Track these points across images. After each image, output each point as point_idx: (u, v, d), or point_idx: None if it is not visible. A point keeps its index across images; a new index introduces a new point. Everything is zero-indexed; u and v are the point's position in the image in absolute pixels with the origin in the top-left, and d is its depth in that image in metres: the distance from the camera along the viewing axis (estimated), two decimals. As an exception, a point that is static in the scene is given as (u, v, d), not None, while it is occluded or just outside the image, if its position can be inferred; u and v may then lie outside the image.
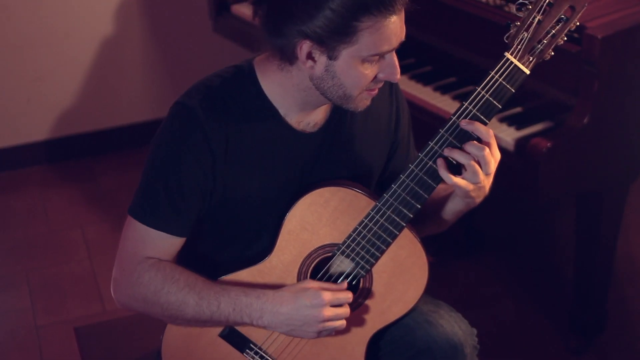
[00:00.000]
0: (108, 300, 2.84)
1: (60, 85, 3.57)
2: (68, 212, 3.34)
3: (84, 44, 3.54)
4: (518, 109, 2.32)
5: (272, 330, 1.58)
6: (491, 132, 1.50)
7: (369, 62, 1.48)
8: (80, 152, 3.69)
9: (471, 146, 1.49)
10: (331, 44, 1.45)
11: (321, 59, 1.48)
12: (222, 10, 3.21)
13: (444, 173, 1.50)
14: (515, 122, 2.27)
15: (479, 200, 1.57)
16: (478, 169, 1.49)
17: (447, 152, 1.50)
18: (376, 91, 1.55)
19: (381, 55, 1.48)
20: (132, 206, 1.58)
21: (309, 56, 1.48)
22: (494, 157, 1.51)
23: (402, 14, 1.48)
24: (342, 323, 1.56)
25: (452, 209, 1.64)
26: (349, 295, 1.56)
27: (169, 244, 1.59)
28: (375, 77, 1.51)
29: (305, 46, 1.47)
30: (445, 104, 2.43)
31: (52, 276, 2.99)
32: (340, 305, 1.56)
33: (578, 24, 1.51)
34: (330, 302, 1.53)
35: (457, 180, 1.50)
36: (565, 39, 1.51)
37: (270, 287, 1.59)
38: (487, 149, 1.49)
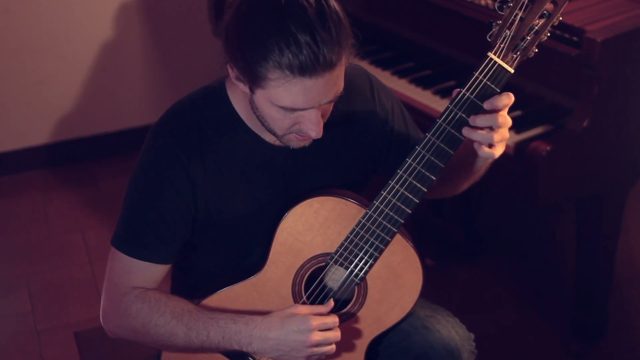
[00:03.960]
0: (108, 304, 2.84)
1: (61, 89, 3.58)
2: (69, 216, 3.34)
3: (84, 47, 3.55)
4: (517, 112, 2.32)
5: (262, 355, 1.57)
6: (511, 95, 1.47)
7: (282, 110, 1.44)
8: (81, 156, 3.70)
9: (483, 120, 1.46)
10: (246, 79, 1.43)
11: (246, 86, 1.47)
12: (221, 13, 3.21)
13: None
14: (514, 125, 2.25)
15: (499, 152, 1.53)
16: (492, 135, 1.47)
17: (465, 132, 1.47)
18: (307, 140, 1.51)
19: (293, 110, 1.44)
20: (114, 237, 1.59)
21: (238, 79, 1.46)
22: (507, 122, 1.48)
23: (326, 78, 1.38)
24: (332, 348, 1.54)
25: (478, 165, 1.61)
26: (335, 320, 1.55)
27: (154, 271, 1.59)
28: (297, 124, 1.47)
29: (231, 70, 1.46)
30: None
31: (53, 280, 2.99)
32: (330, 329, 1.54)
33: (564, 20, 1.48)
34: (317, 327, 1.52)
35: (488, 151, 1.48)
36: (549, 34, 1.48)
37: (265, 300, 1.59)
38: (499, 118, 1.46)
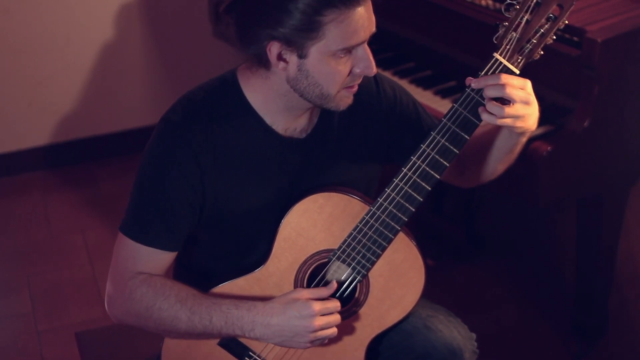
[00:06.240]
0: (109, 305, 2.84)
1: (62, 90, 3.58)
2: (69, 217, 3.34)
3: (85, 48, 3.55)
4: (518, 113, 2.32)
5: (264, 341, 1.58)
6: (500, 75, 1.46)
7: (340, 57, 1.47)
8: (81, 156, 3.70)
9: (492, 90, 1.45)
10: (298, 42, 1.45)
11: (292, 59, 1.48)
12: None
13: (486, 116, 1.46)
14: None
15: (533, 127, 1.53)
16: (516, 107, 1.46)
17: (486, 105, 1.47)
18: (356, 88, 1.54)
19: (351, 49, 1.47)
20: (122, 223, 1.59)
21: (280, 57, 1.48)
22: (518, 87, 1.47)
23: (369, 5, 1.47)
24: (334, 331, 1.56)
25: (513, 143, 1.59)
26: (337, 304, 1.56)
27: (160, 259, 1.59)
28: (351, 72, 1.50)
29: (273, 47, 1.47)
30: (446, 108, 2.41)
31: (53, 281, 2.99)
32: (331, 314, 1.56)
33: (567, 22, 1.49)
34: (320, 312, 1.53)
35: (504, 120, 1.47)
36: (555, 37, 1.49)
37: (267, 294, 1.59)
38: (507, 87, 1.45)
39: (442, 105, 2.43)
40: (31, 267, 3.07)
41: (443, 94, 2.49)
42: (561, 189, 2.23)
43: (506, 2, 1.48)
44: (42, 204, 3.44)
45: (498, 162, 1.67)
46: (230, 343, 1.62)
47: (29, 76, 3.50)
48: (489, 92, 1.46)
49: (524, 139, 1.59)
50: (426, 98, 2.47)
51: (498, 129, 1.61)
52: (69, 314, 2.83)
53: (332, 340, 1.60)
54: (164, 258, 1.59)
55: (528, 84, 1.49)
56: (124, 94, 3.70)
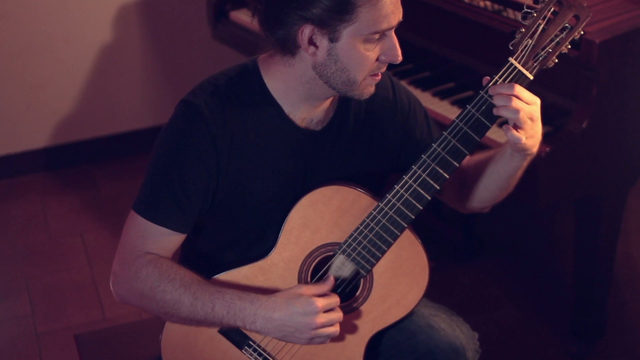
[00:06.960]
0: (108, 307, 2.84)
1: (60, 92, 3.58)
2: (68, 220, 3.34)
3: (83, 51, 3.55)
4: (517, 114, 2.32)
5: (264, 335, 1.59)
6: (514, 85, 1.49)
7: (369, 42, 1.49)
8: (80, 159, 3.70)
9: (499, 99, 1.49)
10: (331, 24, 1.47)
11: (323, 43, 1.50)
12: (220, 16, 3.22)
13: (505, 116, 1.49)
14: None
15: (535, 149, 1.57)
16: (523, 117, 1.49)
17: (495, 111, 1.50)
18: (379, 76, 1.56)
19: (381, 34, 1.49)
20: (135, 201, 1.60)
21: (311, 41, 1.50)
22: (527, 102, 1.50)
23: None
24: (336, 329, 1.57)
25: (514, 166, 1.62)
26: (337, 300, 1.57)
27: (169, 239, 1.59)
28: (377, 59, 1.52)
29: (306, 30, 1.48)
30: (444, 109, 2.43)
31: (52, 283, 2.99)
32: (332, 310, 1.57)
33: (582, 32, 1.52)
34: (322, 308, 1.54)
35: (515, 132, 1.50)
36: (570, 47, 1.52)
37: (271, 285, 1.60)
38: (514, 99, 1.48)
39: (440, 107, 2.44)
40: (30, 269, 3.06)
41: (442, 95, 2.49)
42: (559, 190, 2.23)
43: (523, 10, 1.51)
44: (40, 206, 3.44)
45: (498, 188, 1.69)
46: (231, 331, 1.62)
47: (27, 78, 3.50)
48: (497, 101, 1.50)
49: (524, 163, 1.62)
50: (425, 99, 2.48)
51: (499, 154, 1.63)
52: (68, 316, 2.83)
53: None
54: (172, 239, 1.60)
55: (538, 101, 1.53)
56: (123, 96, 3.70)
